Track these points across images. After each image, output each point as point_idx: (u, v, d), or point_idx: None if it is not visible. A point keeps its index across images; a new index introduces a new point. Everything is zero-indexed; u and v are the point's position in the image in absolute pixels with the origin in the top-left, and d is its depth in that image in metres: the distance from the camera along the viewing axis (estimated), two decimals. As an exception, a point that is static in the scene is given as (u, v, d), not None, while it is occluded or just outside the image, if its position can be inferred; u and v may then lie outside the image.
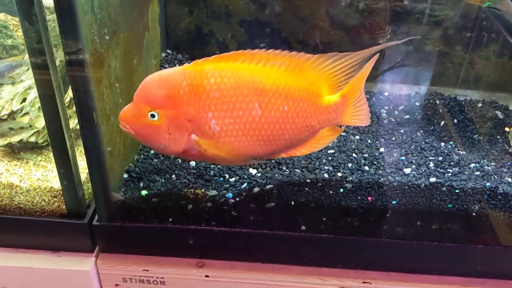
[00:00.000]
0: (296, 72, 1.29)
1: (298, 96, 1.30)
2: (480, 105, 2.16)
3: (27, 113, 1.58)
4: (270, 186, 1.56)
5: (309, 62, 1.31)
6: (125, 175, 1.60)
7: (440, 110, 2.11)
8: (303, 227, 1.52)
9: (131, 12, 1.61)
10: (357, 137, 1.89)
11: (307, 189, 1.55)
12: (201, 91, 1.22)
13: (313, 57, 1.31)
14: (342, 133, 1.90)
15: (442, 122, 2.04)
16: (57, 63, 1.29)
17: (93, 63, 1.30)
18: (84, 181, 1.53)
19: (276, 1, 2.09)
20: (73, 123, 1.56)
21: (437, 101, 2.16)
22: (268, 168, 1.68)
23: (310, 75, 1.31)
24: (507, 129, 2.03)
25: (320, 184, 1.57)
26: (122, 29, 1.51)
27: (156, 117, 1.22)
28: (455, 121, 2.05)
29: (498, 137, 2.00)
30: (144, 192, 1.53)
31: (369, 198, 1.53)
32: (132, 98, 1.27)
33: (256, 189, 1.54)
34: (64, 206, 1.51)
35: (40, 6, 1.16)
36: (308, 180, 1.58)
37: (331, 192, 1.54)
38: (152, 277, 1.55)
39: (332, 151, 1.79)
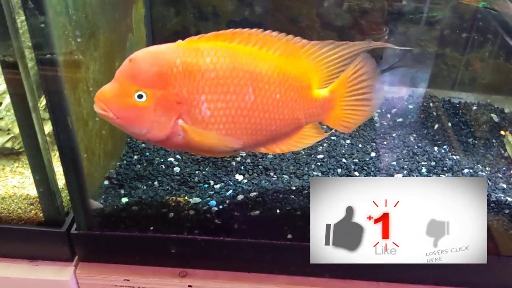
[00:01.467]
0: (291, 59, 1.22)
1: (291, 85, 1.23)
2: (475, 107, 2.11)
3: (2, 118, 1.53)
4: (255, 193, 1.51)
5: (304, 48, 1.23)
6: (106, 182, 1.55)
7: (434, 113, 2.06)
8: (289, 235, 1.46)
9: (112, 12, 1.56)
10: (348, 141, 1.84)
11: (293, 196, 1.50)
12: (196, 71, 1.13)
13: (309, 44, 1.23)
14: (332, 137, 1.85)
15: (436, 126, 1.99)
16: (30, 65, 1.23)
17: (68, 66, 1.25)
18: (62, 188, 1.48)
19: (265, 1, 2.04)
20: (50, 127, 1.50)
21: (431, 104, 2.11)
22: (255, 174, 1.63)
23: (303, 63, 1.24)
24: (502, 132, 1.98)
25: (306, 191, 1.52)
26: (102, 30, 1.46)
27: (144, 98, 1.11)
28: (450, 124, 2.00)
29: (494, 141, 1.95)
30: (124, 200, 1.48)
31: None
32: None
33: (241, 197, 1.49)
34: (41, 214, 1.46)
35: (8, 6, 1.11)
36: (294, 188, 1.53)
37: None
38: (133, 287, 1.49)
39: (321, 156, 1.74)
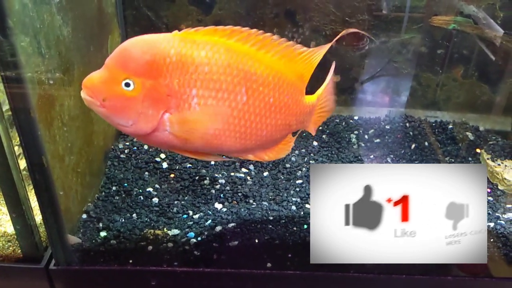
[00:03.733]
0: (288, 64, 1.19)
1: (285, 90, 1.20)
2: (450, 126, 2.15)
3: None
4: (234, 224, 1.51)
5: (303, 54, 1.20)
6: (84, 216, 1.54)
7: (411, 133, 2.09)
8: (269, 264, 1.47)
9: (87, 46, 1.56)
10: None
11: (271, 226, 1.51)
12: (190, 63, 1.08)
13: (308, 51, 1.21)
14: (311, 161, 1.87)
15: (413, 145, 2.02)
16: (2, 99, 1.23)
17: (42, 106, 1.25)
18: (40, 223, 1.47)
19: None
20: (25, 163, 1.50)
21: (407, 124, 2.14)
22: (235, 202, 1.64)
23: (298, 69, 1.22)
24: (478, 150, 2.01)
25: (283, 220, 1.53)
26: (77, 65, 1.47)
27: (132, 87, 1.05)
28: (426, 143, 2.03)
29: (470, 159, 1.98)
30: (103, 234, 1.47)
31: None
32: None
33: (219, 227, 1.49)
34: (19, 251, 1.45)
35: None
36: (271, 218, 1.54)
37: (295, 228, 1.50)
38: (114, 321, 1.49)
39: (300, 181, 1.75)
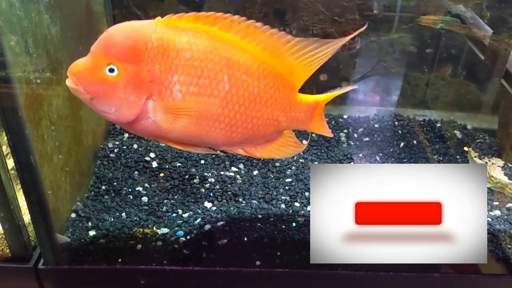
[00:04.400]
0: (274, 55, 1.16)
1: (271, 82, 1.18)
2: (439, 125, 2.17)
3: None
4: (223, 222, 1.52)
5: (288, 45, 1.16)
6: (73, 215, 1.54)
7: (400, 132, 2.11)
8: (258, 262, 1.48)
9: (75, 46, 1.55)
10: (316, 163, 1.87)
11: (260, 224, 1.52)
12: (171, 49, 1.08)
13: (294, 41, 1.16)
14: (300, 160, 1.88)
15: (402, 144, 2.03)
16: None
17: (29, 105, 1.25)
18: (29, 223, 1.46)
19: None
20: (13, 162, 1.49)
21: (396, 123, 2.15)
22: (224, 201, 1.65)
23: (287, 62, 1.18)
24: (466, 148, 2.03)
25: (272, 218, 1.54)
26: (65, 64, 1.46)
27: (115, 72, 1.06)
28: (415, 142, 2.05)
29: (458, 157, 2.00)
30: (92, 233, 1.47)
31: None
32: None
33: (209, 226, 1.50)
34: (7, 250, 1.45)
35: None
36: (260, 216, 1.55)
37: (284, 226, 1.51)
38: (103, 320, 1.49)
39: (289, 179, 1.76)
